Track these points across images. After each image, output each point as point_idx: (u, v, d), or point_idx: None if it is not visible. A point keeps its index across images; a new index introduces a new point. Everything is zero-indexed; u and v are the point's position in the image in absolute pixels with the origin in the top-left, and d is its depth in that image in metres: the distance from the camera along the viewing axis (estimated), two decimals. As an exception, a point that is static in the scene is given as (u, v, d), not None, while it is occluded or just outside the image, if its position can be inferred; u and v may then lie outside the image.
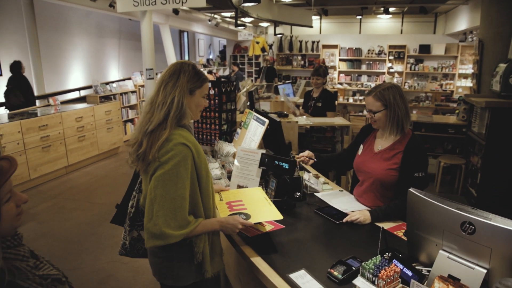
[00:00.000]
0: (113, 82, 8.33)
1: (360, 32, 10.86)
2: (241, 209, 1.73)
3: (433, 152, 5.49)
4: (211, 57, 18.32)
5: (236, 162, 2.31)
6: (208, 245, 1.62)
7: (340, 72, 10.16)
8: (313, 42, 10.47)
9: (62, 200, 4.89)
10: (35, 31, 7.04)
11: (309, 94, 4.58)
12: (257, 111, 2.84)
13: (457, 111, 5.76)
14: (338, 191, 2.36)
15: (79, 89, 8.43)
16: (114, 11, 6.77)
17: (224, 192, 1.96)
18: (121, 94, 8.03)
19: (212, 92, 2.89)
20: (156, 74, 10.86)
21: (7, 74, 7.09)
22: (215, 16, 10.18)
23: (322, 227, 1.86)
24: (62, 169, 5.78)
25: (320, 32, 11.26)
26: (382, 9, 7.61)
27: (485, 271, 1.22)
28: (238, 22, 12.56)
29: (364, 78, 10.09)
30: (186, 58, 16.65)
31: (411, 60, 9.73)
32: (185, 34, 16.20)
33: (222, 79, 10.13)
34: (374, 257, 1.29)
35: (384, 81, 9.59)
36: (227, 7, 7.02)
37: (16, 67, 6.20)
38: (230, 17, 10.87)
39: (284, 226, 1.84)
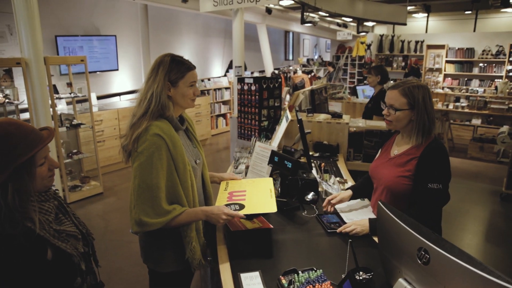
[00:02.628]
0: (208, 79, 8.97)
1: (474, 30, 9.47)
2: (239, 200, 1.69)
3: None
4: (316, 57, 18.12)
5: (252, 158, 2.30)
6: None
7: (446, 76, 9.02)
8: (416, 42, 9.52)
9: (143, 180, 5.48)
10: (147, 32, 8.04)
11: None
12: (296, 111, 2.76)
13: None
14: (360, 200, 2.15)
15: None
16: (217, 13, 7.23)
17: (232, 182, 1.95)
18: (214, 89, 8.61)
19: (253, 88, 2.91)
20: (252, 73, 11.29)
21: (123, 69, 8.26)
22: (312, 15, 10.06)
23: (312, 234, 1.73)
24: (151, 154, 6.46)
25: (426, 31, 10.19)
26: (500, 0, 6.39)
27: (439, 311, 1.00)
28: (339, 21, 12.25)
29: (475, 83, 8.76)
30: (290, 57, 16.84)
31: (541, 63, 8.11)
32: (291, 34, 16.40)
33: (315, 79, 9.98)
34: (313, 271, 1.16)
35: (496, 86, 8.17)
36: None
37: None
38: (329, 16, 10.60)
39: (272, 227, 1.77)
